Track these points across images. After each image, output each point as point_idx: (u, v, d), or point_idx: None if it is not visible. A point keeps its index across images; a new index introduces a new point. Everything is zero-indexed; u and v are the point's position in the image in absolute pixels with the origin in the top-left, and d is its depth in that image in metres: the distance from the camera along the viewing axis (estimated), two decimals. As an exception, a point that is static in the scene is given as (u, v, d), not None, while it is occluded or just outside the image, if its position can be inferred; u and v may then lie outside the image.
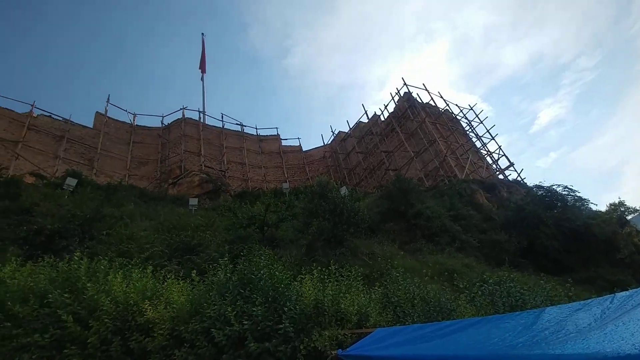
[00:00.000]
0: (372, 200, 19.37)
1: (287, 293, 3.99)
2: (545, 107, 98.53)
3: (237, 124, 34.39)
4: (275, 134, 36.42)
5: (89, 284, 4.51)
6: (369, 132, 32.16)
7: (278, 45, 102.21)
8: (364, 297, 4.74)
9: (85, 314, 4.32)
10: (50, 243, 9.78)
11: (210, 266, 6.26)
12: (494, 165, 27.53)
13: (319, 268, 4.83)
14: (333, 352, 3.72)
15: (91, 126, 26.49)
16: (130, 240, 10.81)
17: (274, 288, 4.02)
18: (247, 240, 11.76)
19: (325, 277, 4.80)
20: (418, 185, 19.87)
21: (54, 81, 70.56)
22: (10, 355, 4.74)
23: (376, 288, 5.32)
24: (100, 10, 75.16)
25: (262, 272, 4.24)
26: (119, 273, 4.75)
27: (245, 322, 3.47)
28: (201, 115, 31.68)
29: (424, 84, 30.10)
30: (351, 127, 34.56)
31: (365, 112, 32.88)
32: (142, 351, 4.01)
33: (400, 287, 5.32)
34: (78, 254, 5.41)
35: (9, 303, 4.97)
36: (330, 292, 4.21)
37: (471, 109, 30.71)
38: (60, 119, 24.91)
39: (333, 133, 36.97)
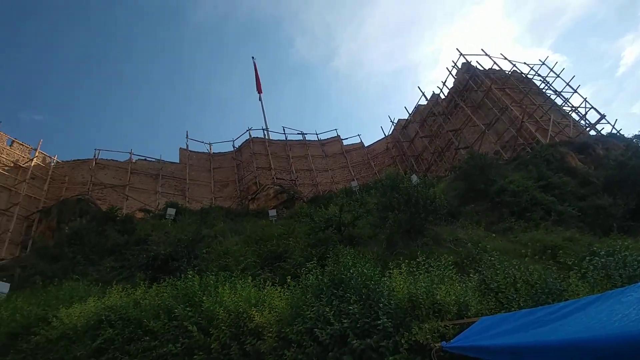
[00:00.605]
0: (447, 183, 18.27)
1: (378, 289, 4.05)
2: (627, 44, 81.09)
3: (298, 133, 35.80)
4: (335, 135, 36.88)
5: (204, 297, 5.20)
6: (430, 113, 30.50)
7: (324, 49, 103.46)
8: (460, 286, 4.54)
9: (205, 324, 4.97)
10: (166, 265, 11.45)
11: (300, 270, 6.64)
12: (582, 122, 23.70)
13: (406, 261, 4.77)
14: (437, 345, 3.64)
15: (178, 161, 30.33)
16: (226, 255, 12.05)
17: (365, 285, 4.11)
18: (327, 242, 12.13)
19: (414, 269, 4.73)
20: (496, 159, 18.13)
21: (142, 127, 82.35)
22: (153, 363, 5.69)
23: (471, 275, 5.03)
24: (167, 58, 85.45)
25: (351, 271, 4.38)
26: (226, 285, 5.38)
27: (345, 321, 3.63)
28: (265, 132, 33.81)
29: (482, 50, 27.41)
30: (410, 112, 33.21)
31: (423, 94, 31.31)
32: (256, 353, 4.44)
33: (498, 271, 4.95)
34: (190, 272, 6.28)
35: (145, 320, 5.98)
36: (422, 284, 4.14)
37: (543, 63, 26.96)
38: (154, 159, 29.02)
39: (392, 122, 35.97)
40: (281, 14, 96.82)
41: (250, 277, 6.12)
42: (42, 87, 72.02)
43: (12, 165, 23.23)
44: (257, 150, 31.74)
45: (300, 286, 4.78)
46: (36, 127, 67.49)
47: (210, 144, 33.38)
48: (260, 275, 9.30)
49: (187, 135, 31.96)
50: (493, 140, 23.07)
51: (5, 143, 23.48)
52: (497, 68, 27.06)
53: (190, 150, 31.40)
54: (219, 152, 33.52)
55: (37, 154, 24.72)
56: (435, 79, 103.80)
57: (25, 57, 69.64)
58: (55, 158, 26.25)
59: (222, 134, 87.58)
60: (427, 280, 4.35)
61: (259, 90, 37.63)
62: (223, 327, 4.57)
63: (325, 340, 3.58)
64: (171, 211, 18.39)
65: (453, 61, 28.80)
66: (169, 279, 7.06)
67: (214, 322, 4.76)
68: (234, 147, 34.02)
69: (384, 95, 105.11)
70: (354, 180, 29.59)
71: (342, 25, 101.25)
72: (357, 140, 36.97)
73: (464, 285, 4.54)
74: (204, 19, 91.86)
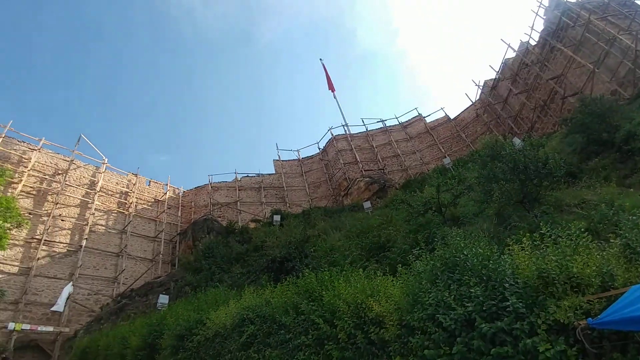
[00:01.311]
0: (559, 140, 15.59)
1: (499, 269, 3.78)
2: None
3: (378, 121, 35.31)
4: (417, 115, 35.10)
5: (323, 292, 5.66)
6: (522, 65, 26.38)
7: (386, 32, 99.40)
8: (599, 254, 3.89)
9: (329, 316, 5.40)
10: (282, 266, 12.73)
11: (406, 258, 6.62)
12: None
13: (527, 234, 4.32)
14: (582, 323, 3.24)
15: (274, 172, 33.26)
16: (332, 251, 12.73)
17: (484, 266, 3.89)
18: (429, 225, 11.68)
19: (538, 242, 4.25)
20: (615, 101, 14.66)
21: (240, 146, 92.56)
22: (289, 354, 6.42)
23: (611, 241, 4.25)
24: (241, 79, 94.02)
25: (464, 252, 4.20)
26: (340, 279, 5.76)
27: (468, 304, 3.52)
28: (345, 128, 34.35)
29: None
30: (498, 69, 29.29)
31: (509, 46, 27.21)
32: (381, 341, 4.63)
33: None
34: (307, 271, 6.90)
35: (277, 316, 6.79)
36: (552, 257, 3.70)
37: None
38: (254, 174, 32.47)
39: (478, 86, 32.33)
40: (339, 12, 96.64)
41: (360, 270, 6.39)
42: (162, 133, 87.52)
43: (152, 200, 28.91)
44: (341, 147, 32.46)
45: (412, 273, 4.79)
46: (162, 166, 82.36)
47: (298, 151, 35.67)
48: (367, 266, 9.56)
49: (277, 147, 35.05)
50: (606, 79, 18.67)
51: (145, 184, 29.36)
52: None
53: (282, 160, 34.09)
54: (307, 156, 35.49)
55: (168, 188, 30.21)
56: (519, 25, 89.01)
57: (149, 111, 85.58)
58: (181, 189, 31.66)
59: (307, 139, 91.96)
60: (558, 253, 3.86)
61: (332, 89, 38.36)
62: (346, 318, 4.90)
63: (450, 325, 3.53)
64: (277, 218, 20.27)
65: (538, 0, 24.34)
66: (290, 277, 7.86)
67: (337, 314, 5.14)
68: (319, 148, 35.55)
69: (462, 59, 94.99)
70: (445, 157, 27.67)
71: (400, 4, 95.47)
72: (441, 115, 34.49)
73: (603, 254, 3.88)
74: (272, 38, 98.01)
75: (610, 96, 16.65)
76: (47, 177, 23.16)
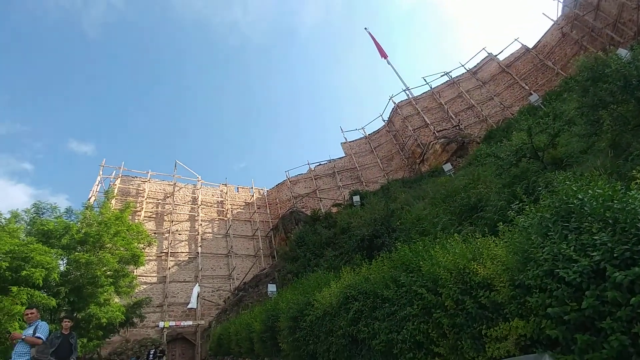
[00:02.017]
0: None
1: (628, 208, 3.20)
2: None
3: (442, 75, 32.40)
4: (486, 55, 31.11)
5: (421, 263, 5.59)
6: (616, -47, 21.02)
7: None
8: None
9: (431, 285, 5.33)
10: (372, 244, 12.91)
11: (507, 214, 6.06)
12: None
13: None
14: None
15: (344, 155, 33.53)
16: (419, 220, 12.39)
17: (607, 208, 3.33)
18: (526, 175, 10.43)
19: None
20: None
21: (308, 136, 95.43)
22: (398, 325, 6.54)
23: None
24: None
25: (579, 196, 3.66)
26: (436, 247, 5.61)
27: (594, 254, 3.09)
28: (407, 92, 32.46)
29: None
30: (582, -31, 23.96)
31: None
32: (494, 304, 4.39)
33: None
34: (399, 244, 6.89)
35: (379, 291, 6.96)
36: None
37: None
38: (326, 161, 33.25)
39: (557, 1, 26.97)
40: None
41: (455, 235, 6.11)
42: (235, 142, 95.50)
43: (243, 204, 31.94)
44: (406, 113, 30.88)
45: (516, 230, 4.39)
46: (243, 172, 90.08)
47: (363, 128, 35.17)
48: (461, 230, 9.06)
49: (341, 130, 35.23)
50: None
51: (234, 191, 32.56)
52: None
53: (349, 142, 34.07)
54: (373, 132, 34.77)
55: (254, 191, 33.01)
56: None
57: (220, 125, 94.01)
58: (265, 189, 34.25)
59: (369, 114, 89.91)
60: None
61: (384, 56, 36.44)
62: (450, 285, 4.77)
63: (575, 279, 3.15)
64: (356, 198, 20.49)
65: None
66: (383, 253, 7.95)
67: (439, 283, 5.03)
68: (383, 120, 34.44)
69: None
70: (531, 94, 24.11)
71: None
72: (516, 47, 29.90)
73: None
74: (313, 22, 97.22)
75: None
76: (159, 201, 27.49)
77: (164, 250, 24.80)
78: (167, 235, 25.68)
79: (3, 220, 13.25)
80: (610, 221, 3.20)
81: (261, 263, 27.64)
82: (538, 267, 3.53)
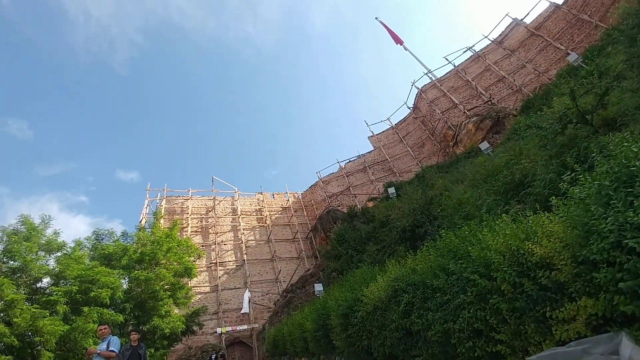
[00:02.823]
0: None
1: None
2: None
3: (465, 51, 30.86)
4: (511, 21, 29.12)
5: (469, 248, 5.35)
6: None
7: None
8: None
9: (483, 270, 5.08)
10: (414, 234, 12.60)
11: (559, 187, 5.64)
12: None
13: None
14: None
15: (372, 148, 33.08)
16: (462, 205, 11.86)
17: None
18: (575, 142, 9.60)
19: None
20: None
21: (332, 136, 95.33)
22: (453, 314, 6.31)
23: None
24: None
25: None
26: (484, 230, 5.34)
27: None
28: (429, 75, 31.30)
29: None
30: None
31: None
32: (555, 283, 4.10)
33: None
34: (443, 231, 6.64)
35: (428, 281, 6.77)
36: None
37: None
38: (355, 157, 32.99)
39: (588, -56, 24.50)
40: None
41: (503, 215, 5.77)
42: (266, 150, 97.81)
43: (280, 209, 32.60)
44: (432, 96, 29.79)
45: (572, 203, 4.05)
46: (275, 179, 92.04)
47: (388, 119, 34.46)
48: (509, 210, 8.55)
49: (366, 123, 34.73)
50: None
51: (270, 198, 33.34)
52: None
53: (376, 135, 33.54)
54: (400, 121, 33.94)
55: (289, 195, 33.59)
56: None
57: (248, 135, 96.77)
58: (299, 192, 34.72)
59: (394, 104, 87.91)
60: None
61: (399, 42, 35.36)
62: (505, 269, 4.51)
63: (651, 249, 2.85)
64: (391, 190, 20.10)
65: None
66: (427, 242, 7.73)
67: (492, 267, 4.79)
68: (408, 108, 33.50)
69: None
70: (568, 53, 22.20)
71: None
72: (544, 6, 27.68)
73: None
74: (323, 20, 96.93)
75: None
76: (202, 216, 28.88)
77: (213, 261, 26.04)
78: (213, 246, 26.94)
79: (69, 249, 14.62)
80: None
81: (305, 264, 28.04)
82: (603, 239, 3.23)
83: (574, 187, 4.40)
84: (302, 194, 34.55)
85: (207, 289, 24.91)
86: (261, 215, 31.05)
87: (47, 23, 75.79)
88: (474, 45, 30.41)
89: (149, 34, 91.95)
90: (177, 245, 17.31)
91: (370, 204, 25.26)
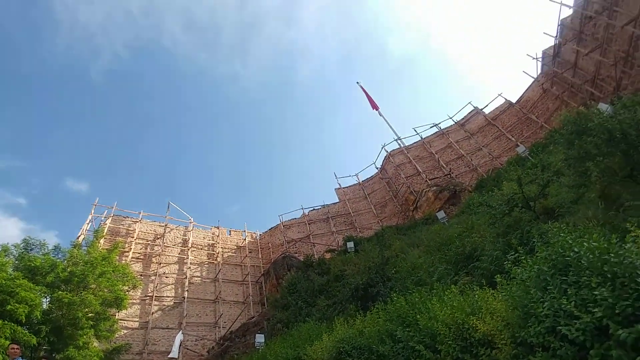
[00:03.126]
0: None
1: (625, 262, 3.17)
2: None
3: (431, 126, 33.91)
4: (472, 109, 32.96)
5: (417, 316, 5.35)
6: (584, 20, 23.25)
7: (417, 36, 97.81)
8: None
9: (429, 341, 5.06)
10: (366, 293, 12.41)
11: (503, 264, 5.97)
12: None
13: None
14: None
15: (337, 200, 33.56)
16: (415, 269, 12.08)
17: (604, 262, 3.30)
18: (519, 224, 10.46)
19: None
20: None
21: (303, 181, 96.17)
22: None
23: None
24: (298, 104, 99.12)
25: (575, 249, 3.64)
26: (433, 299, 5.41)
27: (595, 310, 2.99)
28: (398, 142, 33.60)
29: None
30: (555, 34, 26.28)
31: (562, 4, 24.26)
32: (496, 363, 4.16)
33: None
34: (395, 295, 6.63)
35: (374, 346, 6.57)
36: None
37: None
38: (320, 207, 33.15)
39: (537, 59, 29.17)
40: (368, 29, 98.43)
41: (452, 286, 5.94)
42: (230, 185, 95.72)
43: (235, 247, 31.12)
44: (398, 161, 31.70)
45: (514, 283, 4.28)
46: (236, 215, 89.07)
47: (357, 175, 35.68)
48: (458, 281, 8.83)
49: (335, 176, 35.50)
50: None
51: (226, 234, 31.88)
52: None
53: (343, 188, 34.35)
54: (367, 178, 35.29)
55: (246, 234, 32.37)
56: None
57: (215, 168, 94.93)
58: (257, 232, 33.63)
59: (363, 162, 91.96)
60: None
61: (375, 107, 38.18)
62: (449, 342, 4.53)
63: (578, 337, 3.02)
64: (350, 244, 20.12)
65: None
66: (378, 304, 7.63)
67: (438, 339, 4.79)
68: (376, 168, 35.15)
69: (507, 38, 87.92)
70: (518, 145, 25.09)
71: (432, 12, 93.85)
72: (500, 102, 31.81)
73: None
74: (308, 77, 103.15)
75: None
76: (149, 242, 26.67)
77: (149, 294, 23.49)
78: (153, 277, 24.54)
79: (-7, 253, 12.99)
80: (609, 275, 3.16)
81: (250, 311, 26.20)
82: (539, 323, 3.39)
83: (517, 268, 4.68)
84: (260, 234, 33.51)
85: (136, 325, 22.08)
86: (213, 251, 29.31)
87: (31, 19, 73.64)
88: (439, 123, 33.64)
89: (135, 50, 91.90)
90: (113, 271, 15.71)
91: (328, 256, 24.94)
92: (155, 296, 23.49)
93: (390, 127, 36.30)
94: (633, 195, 7.99)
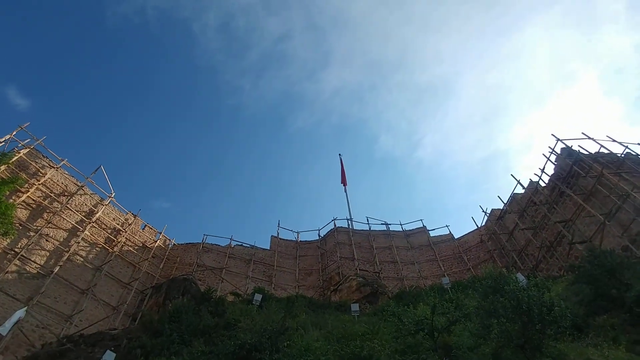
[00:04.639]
0: (565, 287, 15.16)
1: None
2: None
3: (382, 223, 35.59)
4: (421, 226, 35.43)
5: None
6: (530, 203, 27.28)
7: (407, 142, 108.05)
8: None
9: None
10: (249, 356, 11.39)
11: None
12: None
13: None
14: None
15: (268, 247, 32.45)
16: (307, 351, 11.49)
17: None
18: (418, 349, 10.68)
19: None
20: (627, 258, 14.58)
21: (243, 215, 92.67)
22: None
23: None
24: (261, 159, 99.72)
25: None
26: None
27: None
28: (349, 222, 34.58)
29: (583, 133, 24.51)
30: (505, 202, 30.33)
31: (518, 182, 28.61)
32: None
33: None
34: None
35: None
36: None
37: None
38: (248, 245, 31.69)
39: (485, 213, 33.09)
40: (368, 116, 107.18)
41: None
42: (172, 180, 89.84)
43: (141, 245, 28.02)
44: (341, 239, 32.13)
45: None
46: (163, 212, 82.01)
47: (298, 233, 35.24)
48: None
49: (278, 224, 34.69)
50: (617, 233, 18.81)
51: (139, 227, 28.89)
52: (606, 151, 23.69)
53: (280, 238, 33.56)
54: (305, 240, 34.91)
55: (160, 237, 29.54)
56: (529, 164, 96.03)
57: (163, 156, 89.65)
58: (173, 241, 30.87)
59: (310, 223, 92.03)
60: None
61: (344, 183, 39.95)
62: None
63: None
64: (258, 297, 19.01)
65: (550, 147, 25.85)
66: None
67: None
68: (319, 236, 35.19)
69: (473, 184, 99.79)
70: (444, 276, 26.82)
71: (425, 119, 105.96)
72: (445, 232, 34.65)
73: None
74: (302, 126, 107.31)
75: (622, 252, 16.53)
76: (52, 194, 23.27)
77: (16, 249, 19.63)
78: (32, 234, 20.83)
79: None
80: None
81: (116, 320, 22.64)
82: None
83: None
84: (175, 244, 30.73)
85: (-25, 278, 17.91)
86: (115, 237, 26.05)
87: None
88: (390, 224, 35.49)
89: (162, 13, 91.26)
90: None
91: (231, 298, 23.17)
92: (22, 255, 19.69)
93: (349, 206, 37.74)
94: (517, 366, 8.64)
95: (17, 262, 19.42)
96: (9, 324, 16.02)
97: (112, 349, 15.10)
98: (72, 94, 77.33)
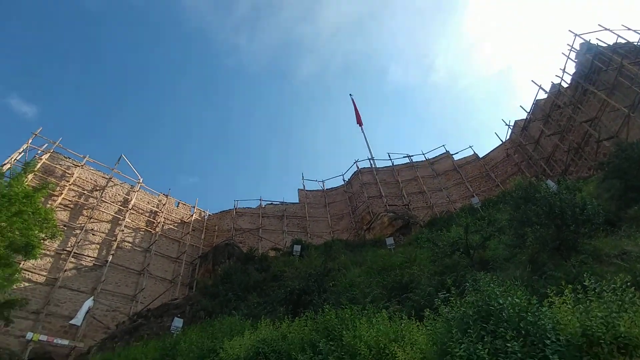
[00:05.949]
0: (595, 185, 14.81)
1: (539, 322, 3.48)
2: None
3: (404, 156, 35.18)
4: (444, 152, 34.74)
5: (343, 332, 5.41)
6: (554, 106, 25.82)
7: (418, 69, 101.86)
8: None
9: (348, 359, 5.12)
10: (300, 299, 12.40)
11: (431, 301, 6.25)
12: None
13: (569, 286, 3.99)
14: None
15: (297, 201, 33.42)
16: (352, 286, 12.32)
17: (521, 318, 3.59)
18: (456, 268, 11.10)
19: (581, 295, 3.91)
20: None
21: (269, 174, 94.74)
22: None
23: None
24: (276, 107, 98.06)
25: (500, 301, 3.91)
26: (362, 319, 5.51)
27: (504, 360, 3.23)
28: (371, 162, 34.45)
29: (600, 25, 22.64)
30: (529, 110, 28.80)
31: (540, 87, 26.87)
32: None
33: None
34: (327, 307, 6.67)
35: (293, 353, 6.52)
36: (598, 313, 3.37)
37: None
38: (278, 203, 32.78)
39: (509, 126, 31.72)
40: (373, 48, 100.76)
41: (383, 311, 6.10)
42: (189, 154, 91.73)
43: (179, 221, 29.68)
44: (366, 180, 32.38)
45: (440, 320, 4.49)
46: (191, 187, 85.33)
47: (323, 182, 35.83)
48: (389, 307, 9.12)
49: (302, 176, 35.27)
50: None
51: (173, 205, 30.34)
52: (624, 41, 21.73)
53: (306, 190, 34.33)
54: (332, 188, 35.55)
55: (195, 211, 31.03)
56: (550, 68, 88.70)
57: (176, 133, 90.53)
58: (207, 212, 32.37)
59: (333, 171, 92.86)
60: (603, 309, 3.52)
61: (360, 123, 39.06)
62: (367, 363, 4.62)
63: (483, 382, 3.23)
64: (297, 248, 20.07)
65: (569, 44, 24.38)
66: (308, 312, 7.62)
67: (357, 358, 4.86)
68: (344, 180, 35.61)
69: (493, 99, 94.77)
70: (473, 196, 26.79)
71: (435, 39, 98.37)
72: (469, 153, 33.89)
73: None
74: (307, 74, 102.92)
75: (649, 140, 15.80)
76: (85, 192, 24.54)
77: (68, 248, 21.49)
78: (78, 232, 22.52)
79: None
80: (523, 332, 3.44)
81: (175, 291, 24.99)
82: (453, 362, 3.58)
83: (445, 307, 4.92)
84: (210, 215, 32.32)
85: (42, 279, 19.96)
86: (154, 219, 27.66)
87: None
88: (412, 156, 35.08)
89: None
90: (32, 213, 13.88)
91: (272, 254, 24.65)
92: (75, 252, 21.54)
93: (368, 146, 37.23)
94: (556, 267, 8.86)
95: (72, 259, 21.29)
96: (80, 314, 18.05)
97: (179, 315, 16.87)
98: (71, 89, 77.25)
